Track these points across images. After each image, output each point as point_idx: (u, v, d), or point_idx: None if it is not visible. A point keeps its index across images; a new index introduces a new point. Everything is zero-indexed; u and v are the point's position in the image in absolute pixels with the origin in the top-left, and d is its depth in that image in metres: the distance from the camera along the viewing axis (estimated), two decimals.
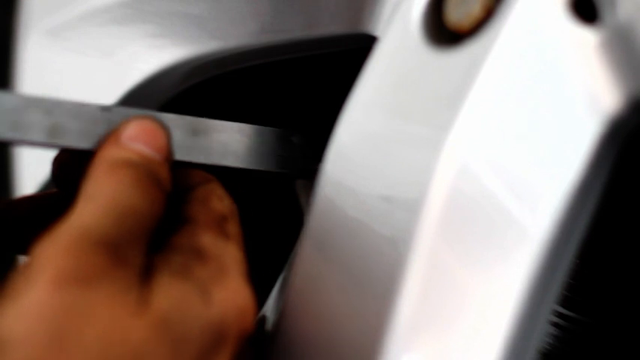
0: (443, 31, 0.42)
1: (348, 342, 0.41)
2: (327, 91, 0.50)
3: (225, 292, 0.41)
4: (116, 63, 0.65)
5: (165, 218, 0.42)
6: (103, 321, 0.37)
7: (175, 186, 0.44)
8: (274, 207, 0.66)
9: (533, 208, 0.39)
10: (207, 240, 0.42)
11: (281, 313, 0.45)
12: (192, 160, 0.45)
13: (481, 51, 0.40)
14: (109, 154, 0.42)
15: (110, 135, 0.43)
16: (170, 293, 0.39)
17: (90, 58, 0.67)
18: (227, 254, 0.42)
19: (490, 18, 0.40)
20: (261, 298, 0.52)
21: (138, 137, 0.43)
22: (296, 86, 0.56)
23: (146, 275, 0.39)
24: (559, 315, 0.42)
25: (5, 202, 0.48)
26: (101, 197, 0.40)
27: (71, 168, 0.45)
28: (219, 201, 0.44)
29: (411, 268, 0.39)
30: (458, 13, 0.42)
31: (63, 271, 0.37)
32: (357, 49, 0.47)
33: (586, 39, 0.39)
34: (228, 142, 0.47)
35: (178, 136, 0.45)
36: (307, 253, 0.44)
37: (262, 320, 0.45)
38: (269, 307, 0.50)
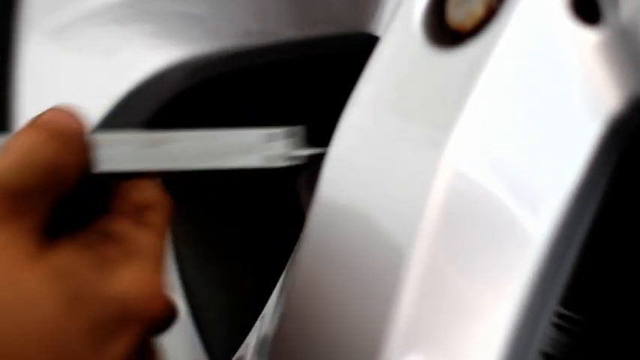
0: (445, 31, 0.42)
1: (349, 347, 0.41)
2: (329, 91, 0.50)
3: (132, 274, 0.41)
4: (116, 63, 0.65)
5: (88, 212, 0.43)
6: None
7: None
8: (275, 208, 0.66)
9: (534, 209, 0.39)
10: (120, 226, 0.43)
11: (281, 316, 0.45)
12: (158, 168, 0.45)
13: (483, 51, 0.40)
14: (32, 120, 0.42)
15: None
16: (69, 255, 0.40)
17: (90, 58, 0.67)
18: (141, 240, 0.43)
19: (492, 18, 0.40)
20: (261, 299, 0.52)
21: (53, 119, 0.43)
22: (297, 86, 0.56)
23: (50, 239, 0.40)
24: (561, 316, 0.42)
25: None
26: (15, 149, 0.40)
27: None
28: (139, 192, 0.45)
29: (411, 271, 0.39)
30: (460, 13, 0.42)
31: None
32: (359, 49, 0.47)
33: (588, 39, 0.39)
34: (190, 146, 0.47)
35: (136, 148, 0.45)
36: (307, 256, 0.44)
37: (173, 312, 0.44)
38: (269, 309, 0.50)
